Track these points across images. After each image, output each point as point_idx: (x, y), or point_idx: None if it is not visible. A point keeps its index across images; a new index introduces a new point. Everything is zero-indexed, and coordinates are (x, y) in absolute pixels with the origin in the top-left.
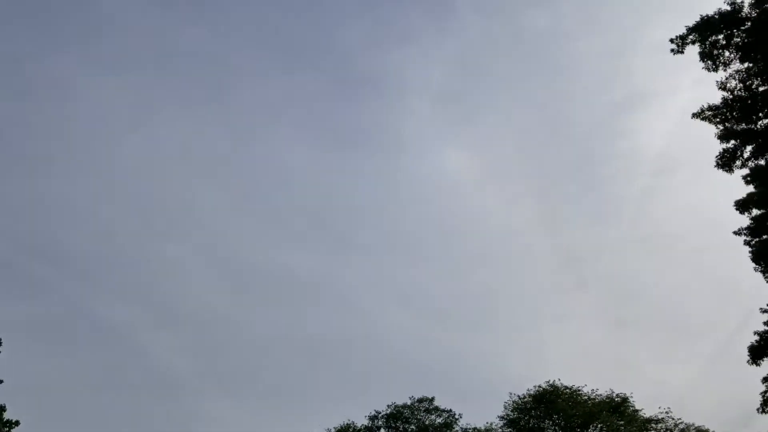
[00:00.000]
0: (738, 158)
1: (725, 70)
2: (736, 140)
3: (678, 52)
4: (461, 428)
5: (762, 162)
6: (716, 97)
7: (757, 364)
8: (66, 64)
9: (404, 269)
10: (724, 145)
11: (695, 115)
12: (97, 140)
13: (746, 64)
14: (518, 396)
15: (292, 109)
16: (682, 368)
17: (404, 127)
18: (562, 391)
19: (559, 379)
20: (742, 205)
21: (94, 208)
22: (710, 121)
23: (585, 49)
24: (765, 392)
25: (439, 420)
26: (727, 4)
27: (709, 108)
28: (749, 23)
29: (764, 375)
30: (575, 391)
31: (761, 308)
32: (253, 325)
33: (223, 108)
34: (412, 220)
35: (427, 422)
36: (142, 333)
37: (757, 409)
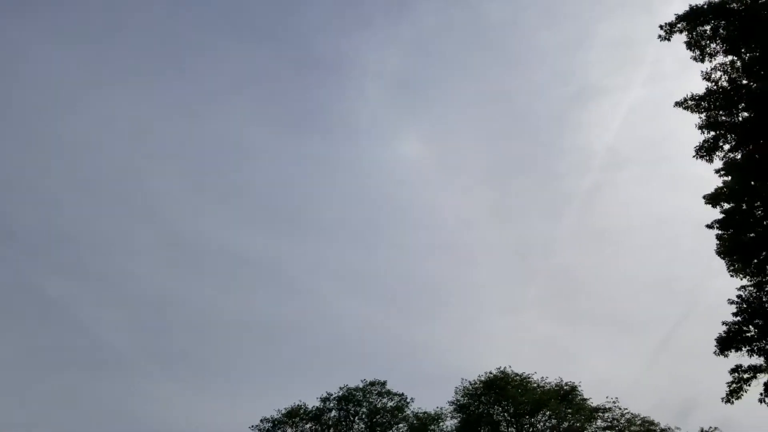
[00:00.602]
0: (719, 149)
1: (711, 61)
2: (717, 131)
3: (665, 39)
4: (412, 412)
5: (738, 155)
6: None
7: (725, 355)
8: (17, 35)
9: (357, 255)
10: (705, 135)
11: (678, 104)
12: (47, 114)
13: (730, 57)
14: (469, 382)
15: (249, 88)
16: (626, 362)
17: (361, 112)
18: (512, 378)
19: (510, 366)
20: (712, 199)
21: (41, 181)
22: (692, 111)
23: (543, 42)
24: (732, 383)
25: (390, 403)
26: None
27: (692, 98)
28: (736, 16)
29: (732, 366)
30: (525, 378)
31: (729, 299)
32: (203, 305)
33: (179, 84)
34: (366, 206)
35: (378, 405)
36: (83, 309)
37: (722, 399)
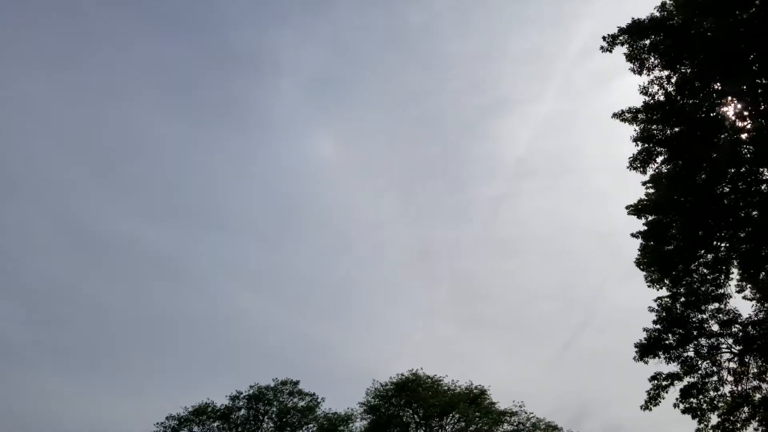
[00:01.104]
0: (652, 161)
1: (648, 75)
2: (650, 144)
3: (607, 50)
4: (323, 412)
5: (665, 169)
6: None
7: (645, 362)
8: None
9: (266, 253)
10: (640, 147)
11: (615, 116)
12: None
13: (667, 72)
14: (380, 383)
15: (159, 78)
16: (526, 367)
17: (275, 109)
18: (423, 380)
19: (422, 368)
20: (636, 210)
21: None
22: (630, 123)
23: (458, 50)
24: (651, 390)
25: (302, 403)
26: (657, 10)
27: (629, 110)
28: (675, 33)
29: (651, 374)
30: (436, 381)
31: (649, 307)
32: (103, 298)
33: (85, 71)
34: (276, 204)
35: (289, 405)
36: None
37: (641, 406)
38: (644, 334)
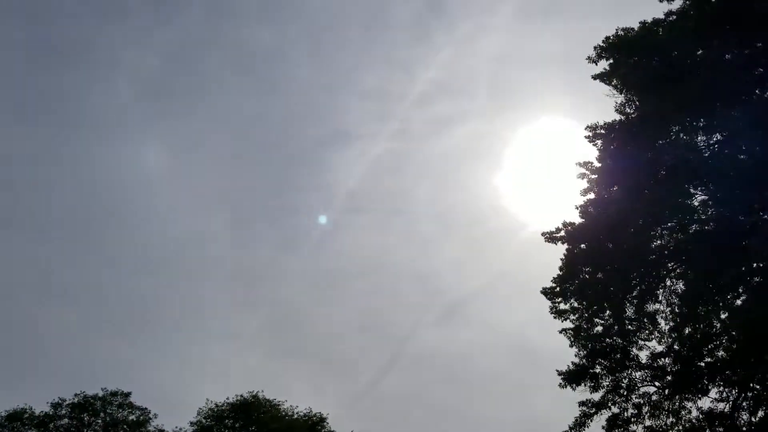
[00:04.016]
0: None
1: (627, 95)
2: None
3: (593, 61)
4: (155, 428)
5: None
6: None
7: (573, 388)
8: None
9: (67, 260)
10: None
11: (588, 128)
12: None
13: (642, 95)
14: (215, 403)
15: None
16: (329, 402)
17: (103, 109)
18: (263, 403)
19: (262, 391)
20: (554, 238)
21: None
22: (597, 138)
23: (305, 79)
24: (578, 416)
25: (132, 417)
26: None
27: (603, 126)
28: (660, 55)
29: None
30: (275, 405)
31: (568, 335)
32: None
33: None
34: (90, 209)
35: (119, 417)
36: None
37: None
38: (573, 362)
